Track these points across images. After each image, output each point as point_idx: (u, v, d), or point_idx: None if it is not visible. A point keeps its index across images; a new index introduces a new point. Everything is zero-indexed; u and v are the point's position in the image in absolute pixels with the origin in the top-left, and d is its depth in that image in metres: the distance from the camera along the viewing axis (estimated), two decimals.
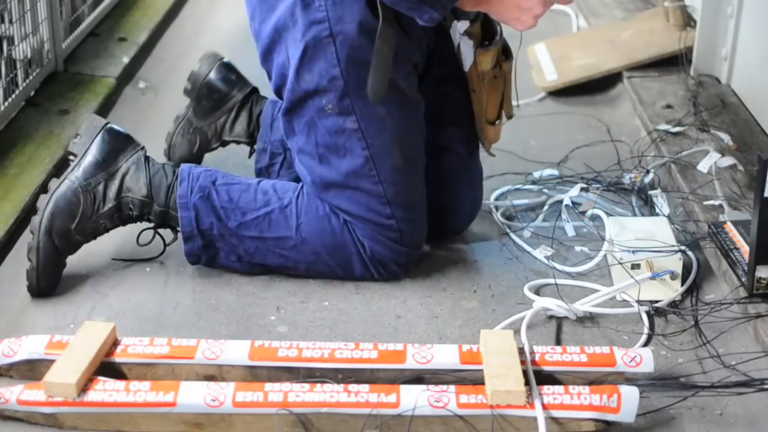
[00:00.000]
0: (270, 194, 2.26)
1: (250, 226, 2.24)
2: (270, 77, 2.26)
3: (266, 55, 2.23)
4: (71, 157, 2.26)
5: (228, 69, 2.63)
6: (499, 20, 2.14)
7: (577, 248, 2.40)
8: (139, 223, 2.29)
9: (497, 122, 2.32)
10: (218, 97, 2.61)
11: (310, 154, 2.23)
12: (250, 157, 2.63)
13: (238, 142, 2.63)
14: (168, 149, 2.64)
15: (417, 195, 2.27)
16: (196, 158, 2.63)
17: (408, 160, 2.23)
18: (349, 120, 2.17)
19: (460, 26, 2.21)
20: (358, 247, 2.24)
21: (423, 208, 2.29)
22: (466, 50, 2.23)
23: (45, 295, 2.20)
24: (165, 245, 2.32)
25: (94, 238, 2.26)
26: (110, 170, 2.24)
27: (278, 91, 2.26)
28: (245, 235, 2.24)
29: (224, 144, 2.65)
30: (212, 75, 2.61)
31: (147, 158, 2.28)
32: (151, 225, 2.30)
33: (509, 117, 2.35)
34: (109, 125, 2.29)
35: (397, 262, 2.26)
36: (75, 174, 2.23)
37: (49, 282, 2.21)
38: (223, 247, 2.25)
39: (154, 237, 2.31)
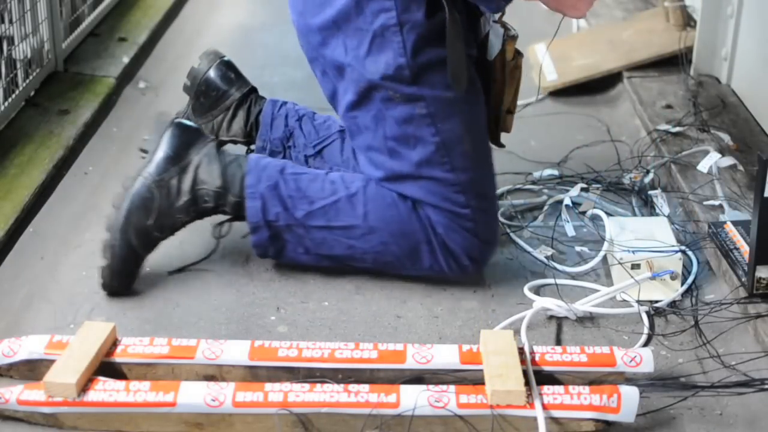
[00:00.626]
0: (338, 183, 2.25)
1: (318, 215, 2.23)
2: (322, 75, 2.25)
3: (319, 50, 2.21)
4: (143, 155, 2.24)
5: (227, 67, 2.63)
6: (554, 7, 2.16)
7: (577, 248, 2.40)
8: (213, 216, 2.27)
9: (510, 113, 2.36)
10: (216, 95, 2.60)
11: (379, 149, 2.22)
12: None
13: (235, 142, 2.63)
14: None
15: (490, 184, 2.27)
16: None
17: (478, 147, 2.23)
18: (418, 106, 2.17)
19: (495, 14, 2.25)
20: (429, 235, 2.22)
21: (496, 200, 2.29)
22: (495, 38, 2.26)
23: (118, 294, 2.20)
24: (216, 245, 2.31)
25: (172, 233, 2.25)
26: (182, 164, 2.23)
27: (333, 93, 2.25)
28: (312, 224, 2.23)
29: (221, 144, 2.64)
30: (211, 72, 2.61)
31: (219, 149, 2.26)
32: (227, 217, 2.28)
33: (513, 112, 2.37)
34: (177, 120, 2.28)
35: (470, 255, 2.23)
36: (148, 170, 2.22)
37: (122, 281, 2.20)
38: (291, 239, 2.24)
39: (229, 228, 2.29)
